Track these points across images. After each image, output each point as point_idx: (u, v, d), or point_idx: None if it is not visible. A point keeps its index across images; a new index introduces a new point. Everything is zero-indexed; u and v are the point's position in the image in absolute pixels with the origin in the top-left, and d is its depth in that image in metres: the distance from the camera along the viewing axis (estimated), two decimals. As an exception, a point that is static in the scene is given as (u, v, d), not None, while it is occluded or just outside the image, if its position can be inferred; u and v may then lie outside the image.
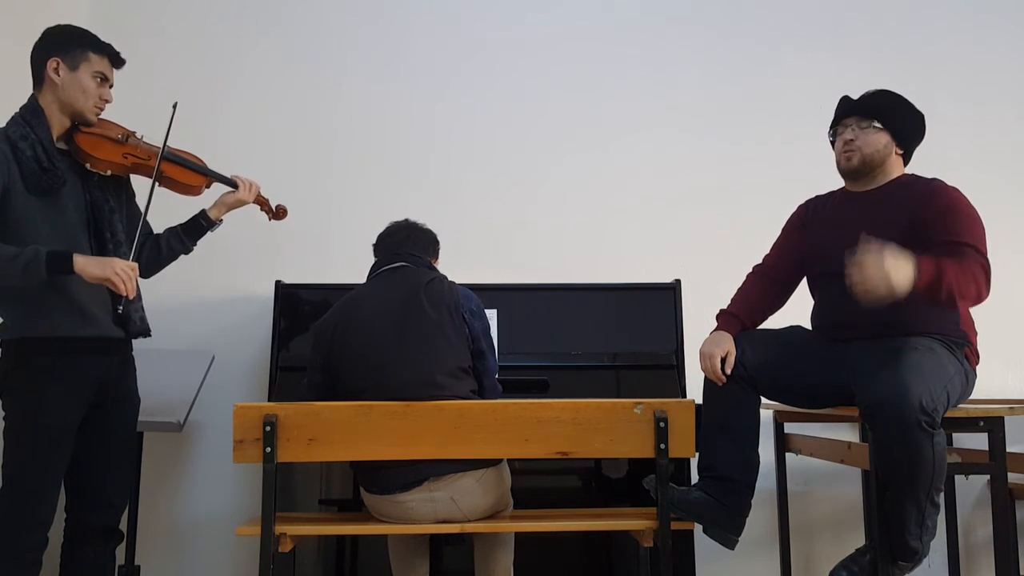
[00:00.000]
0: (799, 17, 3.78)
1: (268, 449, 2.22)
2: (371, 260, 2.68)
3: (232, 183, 2.59)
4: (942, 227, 2.33)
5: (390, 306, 2.46)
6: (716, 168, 3.66)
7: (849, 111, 2.53)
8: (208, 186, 2.57)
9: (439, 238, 2.73)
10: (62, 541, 2.36)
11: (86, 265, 2.16)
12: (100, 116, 2.39)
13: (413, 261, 2.58)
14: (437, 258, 2.71)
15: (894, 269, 2.09)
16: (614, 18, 3.76)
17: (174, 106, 2.44)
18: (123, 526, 2.45)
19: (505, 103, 3.69)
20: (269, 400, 3.02)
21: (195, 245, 2.59)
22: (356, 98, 3.67)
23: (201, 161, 2.57)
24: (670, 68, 3.73)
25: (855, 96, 2.56)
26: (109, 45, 2.38)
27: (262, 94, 3.67)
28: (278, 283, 3.22)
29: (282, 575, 2.31)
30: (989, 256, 2.34)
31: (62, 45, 2.31)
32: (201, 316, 3.47)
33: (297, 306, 3.20)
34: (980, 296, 2.27)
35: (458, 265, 2.78)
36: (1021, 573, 2.94)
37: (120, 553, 2.49)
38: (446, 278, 2.56)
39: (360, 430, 2.25)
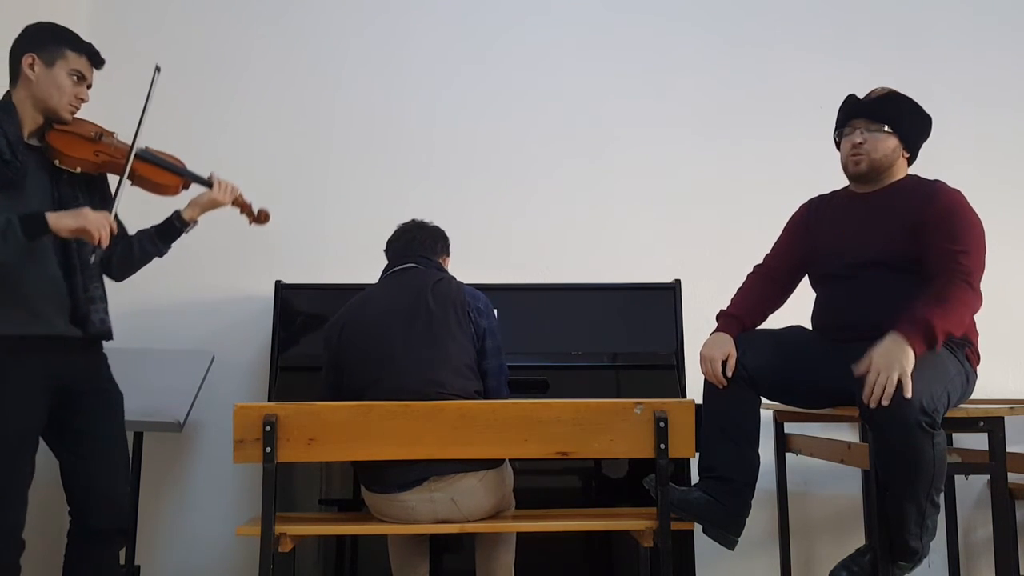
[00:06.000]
0: (799, 17, 3.78)
1: (268, 449, 2.21)
2: (371, 260, 2.70)
3: (208, 183, 2.50)
4: (940, 232, 2.32)
5: (396, 305, 2.46)
6: (717, 168, 3.66)
7: (857, 112, 2.48)
8: (186, 187, 2.49)
9: None
10: (66, 543, 2.33)
11: (59, 219, 2.13)
12: (76, 115, 2.33)
13: (422, 263, 2.59)
14: (448, 255, 2.71)
15: (902, 366, 2.10)
16: (614, 18, 3.76)
17: (156, 69, 2.35)
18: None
19: (505, 103, 3.69)
20: (269, 400, 3.02)
21: (169, 248, 2.51)
22: (357, 98, 3.67)
23: (179, 162, 2.49)
24: (670, 68, 3.73)
25: (860, 94, 2.51)
26: (89, 44, 2.33)
27: (263, 94, 3.66)
28: (278, 283, 3.22)
29: (282, 575, 2.31)
30: (989, 256, 2.34)
31: (39, 41, 2.28)
32: (201, 316, 3.47)
33: (297, 306, 3.20)
34: (971, 317, 2.32)
35: (458, 265, 2.78)
36: (1021, 573, 2.94)
37: (120, 553, 2.46)
38: (454, 278, 2.56)
39: (360, 430, 2.25)
